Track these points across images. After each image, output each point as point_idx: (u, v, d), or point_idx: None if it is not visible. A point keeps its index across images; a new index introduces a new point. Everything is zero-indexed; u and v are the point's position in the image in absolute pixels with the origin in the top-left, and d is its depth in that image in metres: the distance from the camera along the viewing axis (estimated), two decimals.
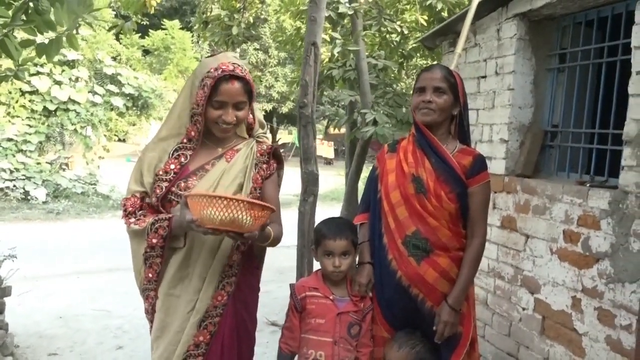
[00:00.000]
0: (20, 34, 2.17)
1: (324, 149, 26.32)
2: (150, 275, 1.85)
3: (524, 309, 2.92)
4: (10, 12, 1.84)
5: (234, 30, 3.77)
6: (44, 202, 10.57)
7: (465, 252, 2.03)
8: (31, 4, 1.98)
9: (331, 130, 26.94)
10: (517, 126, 3.11)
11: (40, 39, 2.19)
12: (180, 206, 1.74)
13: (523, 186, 2.97)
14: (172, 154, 1.87)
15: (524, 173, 3.04)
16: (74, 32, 2.18)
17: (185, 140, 1.87)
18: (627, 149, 2.28)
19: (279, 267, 6.69)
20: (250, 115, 1.97)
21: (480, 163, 2.05)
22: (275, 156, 2.00)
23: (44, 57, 2.23)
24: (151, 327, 1.93)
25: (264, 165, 1.94)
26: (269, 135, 2.08)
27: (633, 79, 2.28)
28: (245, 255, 1.90)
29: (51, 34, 2.22)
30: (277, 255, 7.21)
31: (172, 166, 1.86)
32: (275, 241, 1.90)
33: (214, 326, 1.84)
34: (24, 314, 4.60)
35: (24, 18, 1.98)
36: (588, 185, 2.57)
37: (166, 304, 1.84)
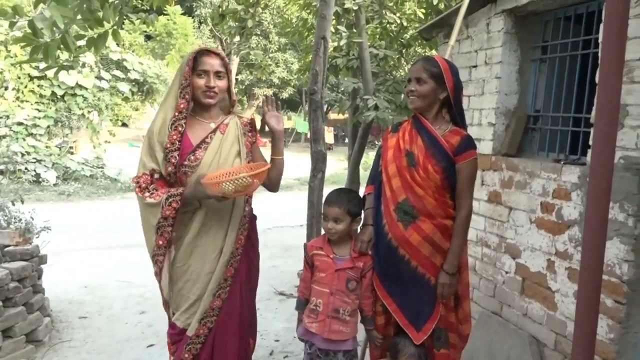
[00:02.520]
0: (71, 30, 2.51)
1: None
2: (160, 242, 2.21)
3: (506, 272, 3.31)
4: (71, 13, 2.18)
5: (249, 24, 4.13)
6: (54, 185, 10.95)
7: (454, 224, 2.39)
8: (84, 5, 2.32)
9: (330, 116, 27.21)
10: (503, 111, 3.47)
11: (89, 34, 2.53)
12: (195, 183, 2.16)
13: (507, 164, 3.33)
14: (171, 127, 2.22)
15: (509, 153, 3.41)
16: (119, 28, 2.52)
17: (176, 114, 2.22)
18: (594, 130, 2.64)
19: (285, 245, 7.10)
20: (234, 95, 2.46)
21: (467, 142, 2.37)
22: (253, 126, 2.50)
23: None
24: (160, 287, 2.34)
25: (249, 133, 2.44)
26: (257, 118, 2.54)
27: (599, 69, 2.63)
28: (250, 206, 2.40)
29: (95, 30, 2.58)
30: (283, 234, 7.65)
31: (175, 137, 2.22)
32: (283, 161, 2.48)
33: (237, 263, 2.31)
34: (51, 283, 4.99)
35: (80, 17, 2.32)
36: (562, 162, 2.94)
37: (196, 253, 2.26)
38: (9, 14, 2.20)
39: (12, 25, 2.12)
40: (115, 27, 2.51)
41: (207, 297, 2.26)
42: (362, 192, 2.77)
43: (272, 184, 2.48)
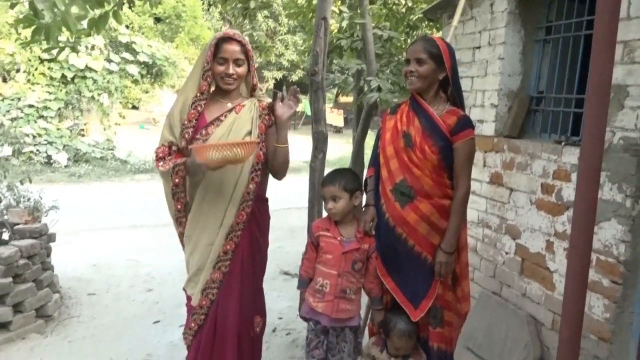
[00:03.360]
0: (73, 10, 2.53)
1: (334, 117, 26.39)
2: (179, 206, 2.41)
3: (506, 253, 3.33)
4: None
5: (252, 4, 4.14)
6: (65, 166, 11.09)
7: (452, 203, 2.41)
8: None
9: (341, 98, 27.05)
10: (506, 92, 3.45)
11: (90, 15, 2.56)
12: (191, 154, 2.24)
13: (509, 146, 3.33)
14: (191, 106, 2.36)
15: (511, 134, 3.40)
16: (120, 9, 2.54)
17: (198, 94, 2.36)
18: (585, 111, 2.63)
19: (291, 227, 7.18)
20: (255, 80, 2.51)
21: (463, 122, 2.38)
22: (272, 110, 2.51)
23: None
24: (184, 249, 2.49)
25: (266, 117, 2.47)
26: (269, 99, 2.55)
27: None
28: (258, 185, 2.41)
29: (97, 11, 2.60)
30: (290, 216, 7.72)
31: (193, 115, 2.36)
32: (287, 157, 2.45)
33: (237, 238, 2.37)
34: (60, 262, 5.10)
35: None
36: (563, 143, 2.94)
37: (200, 223, 2.37)
38: None
39: (13, 6, 2.15)
40: (115, 8, 2.53)
41: (208, 269, 2.36)
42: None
43: (275, 171, 2.51)
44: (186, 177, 2.34)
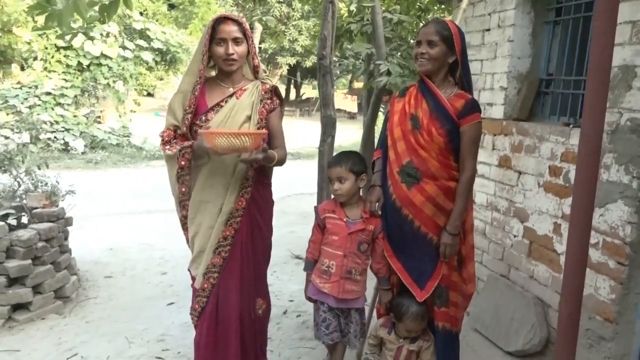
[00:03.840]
0: None
1: (348, 103, 26.29)
2: (183, 189, 2.43)
3: (514, 236, 3.34)
4: None
5: None
6: (82, 153, 11.27)
7: (457, 186, 2.44)
8: None
9: (355, 84, 26.92)
10: (515, 75, 3.44)
11: (101, 0, 2.61)
12: (199, 137, 2.27)
13: (518, 128, 3.33)
14: (192, 91, 2.38)
15: (520, 117, 3.39)
16: None
17: (198, 79, 2.38)
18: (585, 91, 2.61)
19: (303, 212, 7.22)
20: (256, 60, 2.50)
21: (471, 105, 2.39)
22: (276, 94, 2.53)
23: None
24: (186, 234, 2.52)
25: (268, 101, 2.47)
26: (282, 83, 2.57)
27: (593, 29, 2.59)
28: (257, 171, 2.44)
29: None
30: (301, 201, 7.78)
31: (192, 100, 2.38)
32: (280, 162, 2.45)
33: (237, 224, 2.41)
34: (77, 246, 5.23)
35: None
36: (571, 125, 2.93)
37: (202, 207, 2.41)
38: None
39: None
40: None
41: (209, 252, 2.39)
42: None
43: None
44: (191, 160, 2.38)
